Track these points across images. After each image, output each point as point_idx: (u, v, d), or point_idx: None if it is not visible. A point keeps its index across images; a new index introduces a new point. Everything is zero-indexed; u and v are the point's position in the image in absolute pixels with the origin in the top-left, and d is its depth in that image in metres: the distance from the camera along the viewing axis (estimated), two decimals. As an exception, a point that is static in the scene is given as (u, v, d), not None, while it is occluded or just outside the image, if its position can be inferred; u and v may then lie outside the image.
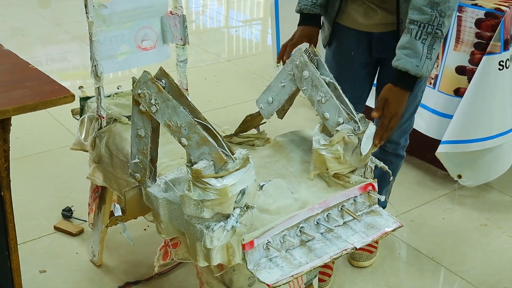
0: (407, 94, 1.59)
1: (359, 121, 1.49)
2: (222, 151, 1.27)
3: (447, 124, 2.37)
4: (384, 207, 2.20)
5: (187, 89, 2.02)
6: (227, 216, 1.30)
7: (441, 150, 2.36)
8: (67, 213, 2.25)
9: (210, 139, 1.27)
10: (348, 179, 1.50)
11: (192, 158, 1.30)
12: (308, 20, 1.82)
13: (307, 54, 1.56)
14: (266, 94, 1.65)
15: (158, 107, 1.32)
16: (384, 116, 1.59)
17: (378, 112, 1.60)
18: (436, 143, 2.41)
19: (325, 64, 1.55)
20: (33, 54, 4.14)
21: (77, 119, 1.92)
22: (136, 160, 1.44)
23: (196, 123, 1.28)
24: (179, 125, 1.29)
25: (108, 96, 1.93)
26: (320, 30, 1.88)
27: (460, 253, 2.19)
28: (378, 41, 1.79)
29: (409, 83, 1.57)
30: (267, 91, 1.65)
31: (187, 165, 1.30)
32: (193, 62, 4.17)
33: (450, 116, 2.37)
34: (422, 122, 2.53)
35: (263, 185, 1.48)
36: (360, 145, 1.48)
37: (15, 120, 1.30)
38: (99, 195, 1.93)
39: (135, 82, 1.35)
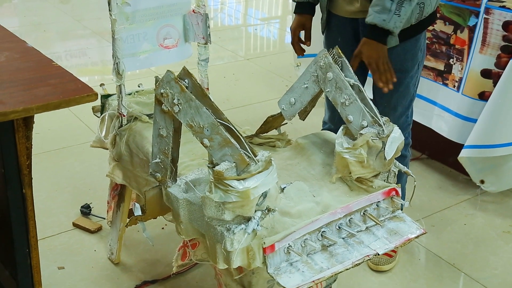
0: (381, 46, 1.72)
1: (384, 125, 1.46)
2: (244, 153, 1.25)
3: (470, 128, 2.32)
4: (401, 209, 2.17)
5: (208, 88, 2.01)
6: (248, 219, 1.29)
7: (464, 155, 2.32)
8: (86, 210, 2.25)
9: (232, 140, 1.25)
10: (371, 183, 1.47)
11: (214, 159, 1.28)
12: (299, 8, 1.94)
13: (332, 55, 1.53)
14: (289, 95, 1.63)
15: (180, 107, 1.30)
16: (368, 64, 1.74)
17: (354, 65, 1.74)
18: (458, 147, 2.37)
19: (349, 66, 1.53)
20: (53, 50, 4.16)
21: (98, 117, 1.92)
22: (157, 160, 1.43)
23: (218, 124, 1.26)
24: (201, 126, 1.28)
25: (129, 94, 1.92)
26: (320, 18, 1.96)
27: (481, 260, 2.14)
28: (364, 28, 1.83)
29: (379, 35, 1.71)
30: (289, 92, 1.63)
31: (208, 167, 1.29)
32: (211, 60, 4.16)
33: (473, 120, 2.32)
34: (445, 126, 2.49)
35: (285, 187, 1.46)
36: (385, 149, 1.45)
37: (36, 115, 1.30)
38: (118, 193, 1.92)
39: (158, 81, 1.34)
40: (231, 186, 1.23)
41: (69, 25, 4.76)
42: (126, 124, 1.80)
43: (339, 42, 1.92)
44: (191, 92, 1.30)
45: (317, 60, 1.54)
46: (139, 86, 2.00)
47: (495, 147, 2.25)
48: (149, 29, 1.80)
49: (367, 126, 1.47)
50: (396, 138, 1.48)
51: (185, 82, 1.31)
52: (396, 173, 1.54)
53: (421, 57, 1.90)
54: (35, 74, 1.33)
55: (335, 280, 1.66)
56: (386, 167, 1.48)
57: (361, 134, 1.45)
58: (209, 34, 1.90)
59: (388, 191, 1.45)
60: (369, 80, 2.03)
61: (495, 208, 2.44)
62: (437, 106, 2.50)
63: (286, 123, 1.71)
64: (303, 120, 1.70)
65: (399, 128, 1.97)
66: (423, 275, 2.06)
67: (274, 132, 1.75)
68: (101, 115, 1.89)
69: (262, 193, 1.27)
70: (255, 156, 1.27)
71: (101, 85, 1.95)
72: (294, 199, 1.43)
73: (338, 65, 1.52)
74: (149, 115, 1.79)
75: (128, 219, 1.83)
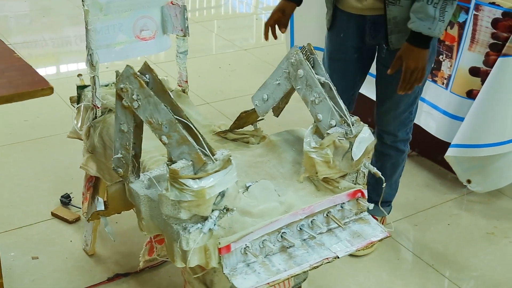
0: (424, 51, 1.71)
1: (352, 125, 1.43)
2: (201, 151, 1.23)
3: (458, 126, 2.28)
4: (388, 212, 2.14)
5: (186, 81, 1.98)
6: (205, 218, 1.27)
7: (450, 154, 2.27)
8: (66, 200, 2.25)
9: (189, 138, 1.23)
10: (337, 184, 1.44)
11: (172, 157, 1.27)
12: None
13: (304, 52, 1.50)
14: (262, 91, 1.61)
15: (140, 103, 1.28)
16: (404, 71, 1.72)
17: (393, 70, 1.76)
18: (448, 145, 2.32)
19: (321, 63, 1.50)
20: (57, 35, 4.13)
21: (74, 107, 1.90)
22: (119, 155, 1.41)
23: (176, 121, 1.24)
24: (160, 123, 1.26)
25: (106, 85, 1.90)
26: (325, 13, 1.93)
27: (462, 262, 2.11)
28: (372, 25, 1.81)
29: (423, 42, 1.69)
30: (262, 88, 1.61)
31: (167, 164, 1.27)
32: (207, 50, 4.13)
33: (461, 119, 2.28)
34: (433, 123, 2.44)
35: (250, 186, 1.44)
36: (352, 149, 1.42)
37: (25, 102, 1.29)
38: (93, 184, 1.92)
39: (118, 76, 1.31)
40: (186, 185, 1.21)
41: (71, 12, 4.73)
42: (101, 116, 1.78)
43: (342, 37, 1.90)
44: (151, 88, 1.28)
45: (289, 57, 1.51)
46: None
47: (481, 147, 2.20)
48: (125, 20, 1.78)
49: (335, 126, 1.44)
50: (364, 138, 1.44)
51: (146, 78, 1.29)
52: (366, 174, 1.51)
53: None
54: (-5, 66, 1.31)
55: (305, 279, 1.64)
56: (353, 168, 1.45)
57: (328, 133, 1.43)
58: (187, 27, 1.87)
59: (354, 192, 1.42)
60: (371, 79, 1.99)
61: (481, 209, 2.40)
62: (425, 103, 2.45)
63: (262, 119, 1.68)
64: (277, 116, 1.67)
65: (401, 124, 1.97)
66: (400, 276, 2.03)
67: (250, 128, 1.72)
68: (77, 105, 1.88)
69: (220, 193, 1.26)
70: (213, 154, 1.25)
71: (79, 75, 1.93)
72: (258, 198, 1.41)
73: (310, 62, 1.49)
74: (123, 108, 1.77)
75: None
